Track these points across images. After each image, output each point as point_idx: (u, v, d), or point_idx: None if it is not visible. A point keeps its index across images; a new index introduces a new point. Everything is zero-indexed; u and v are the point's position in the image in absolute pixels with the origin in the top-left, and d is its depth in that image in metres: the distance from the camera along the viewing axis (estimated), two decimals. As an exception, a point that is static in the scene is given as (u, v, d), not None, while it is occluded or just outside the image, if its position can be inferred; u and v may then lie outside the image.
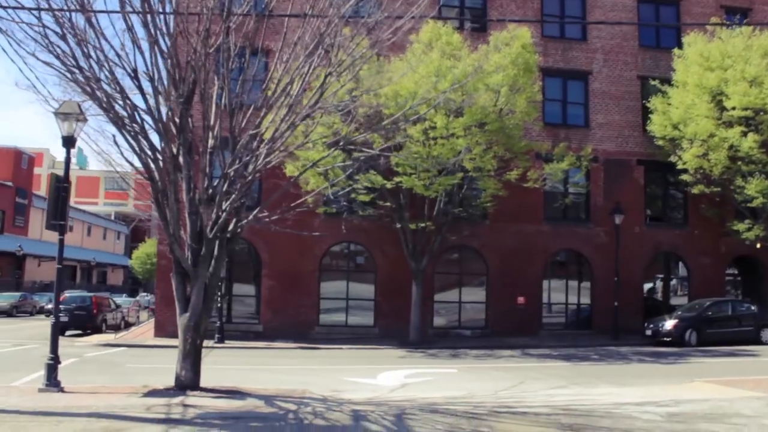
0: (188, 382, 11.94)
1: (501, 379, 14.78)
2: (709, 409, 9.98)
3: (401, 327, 24.07)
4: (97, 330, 28.70)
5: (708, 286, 26.50)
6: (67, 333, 28.72)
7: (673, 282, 28.27)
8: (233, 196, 11.77)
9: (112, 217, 78.95)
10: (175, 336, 24.65)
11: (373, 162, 22.04)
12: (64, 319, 28.43)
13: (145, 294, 59.03)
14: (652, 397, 11.29)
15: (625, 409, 10.07)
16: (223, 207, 11.94)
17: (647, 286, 27.88)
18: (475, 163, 20.02)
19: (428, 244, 23.41)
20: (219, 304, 23.65)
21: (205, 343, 22.97)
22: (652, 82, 25.63)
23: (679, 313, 23.48)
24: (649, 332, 23.20)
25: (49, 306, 30.95)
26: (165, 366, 16.94)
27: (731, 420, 9.17)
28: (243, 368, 17.18)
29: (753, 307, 23.63)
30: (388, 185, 21.68)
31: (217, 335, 23.13)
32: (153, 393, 11.70)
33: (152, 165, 11.96)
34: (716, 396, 11.28)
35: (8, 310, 43.63)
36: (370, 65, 21.37)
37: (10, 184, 54.47)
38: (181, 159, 12.22)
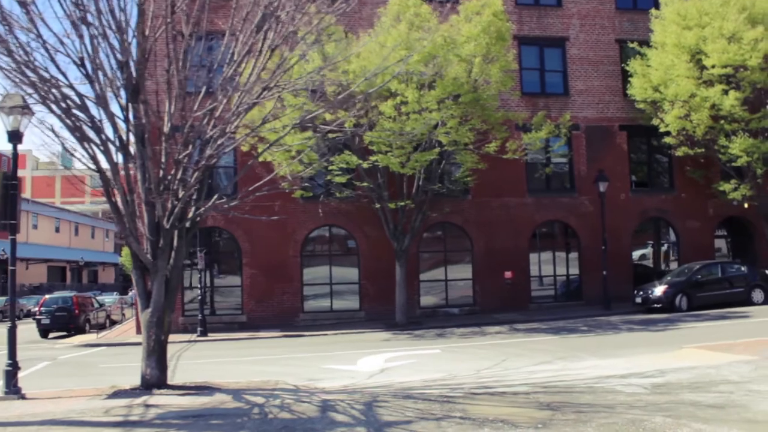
0: (154, 380, 11.40)
1: (485, 357, 14.32)
2: (695, 378, 9.52)
3: (387, 309, 23.60)
4: (81, 330, 28.20)
5: (698, 250, 26.11)
6: (51, 335, 28.30)
7: (664, 247, 27.82)
8: (188, 183, 11.14)
9: (100, 215, 78.10)
10: (157, 332, 24.29)
11: (347, 142, 21.47)
12: (45, 321, 28.10)
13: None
14: (638, 368, 10.84)
15: (607, 383, 9.60)
16: (180, 196, 11.33)
17: (637, 253, 27.44)
18: (450, 137, 19.40)
19: (409, 222, 22.86)
20: (200, 297, 23.15)
21: (188, 337, 22.88)
22: (631, 45, 25.03)
23: (669, 278, 23.07)
24: (638, 300, 22.80)
25: (35, 309, 30.47)
26: (139, 364, 16.47)
27: (717, 388, 8.70)
28: (222, 361, 16.68)
29: (743, 268, 23.24)
30: (365, 165, 21.07)
31: (199, 328, 22.65)
32: (117, 394, 11.17)
33: (101, 156, 11.33)
34: (703, 363, 10.83)
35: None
36: (338, 43, 20.75)
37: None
38: (132, 148, 11.63)
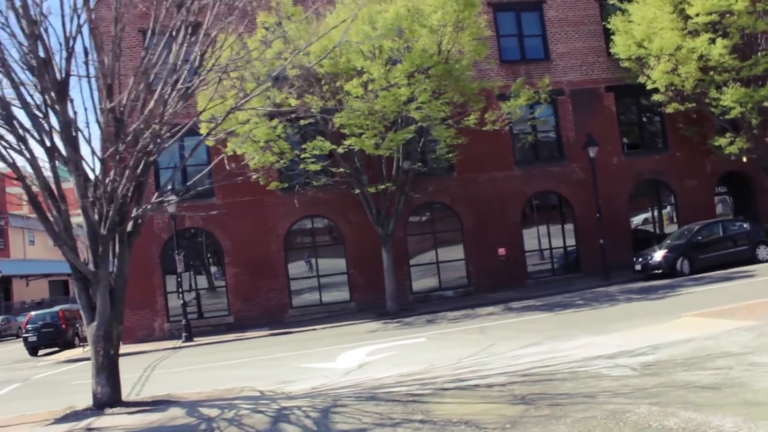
0: (106, 398, 10.47)
1: (471, 343, 13.36)
2: (691, 353, 8.52)
3: (378, 298, 22.65)
4: (70, 345, 27.36)
5: (698, 210, 24.98)
6: (40, 352, 27.47)
7: (665, 210, 26.68)
8: (118, 184, 10.13)
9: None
10: (145, 341, 23.48)
11: (320, 127, 20.43)
12: (32, 339, 27.25)
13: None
14: (630, 345, 9.84)
15: (593, 366, 8.61)
16: (115, 198, 10.34)
17: (636, 218, 26.36)
18: (423, 112, 18.30)
19: (393, 206, 21.84)
20: (182, 301, 22.24)
21: (173, 343, 21.95)
22: (611, 2, 23.84)
23: (668, 242, 22.01)
24: (638, 267, 21.76)
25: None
26: (123, 377, 15.58)
27: (714, 363, 7.71)
28: (199, 368, 15.79)
29: (746, 225, 22.11)
30: (340, 150, 20.02)
31: (184, 334, 21.79)
32: (66, 418, 10.26)
33: (26, 161, 10.34)
34: (702, 333, 9.82)
35: (-3, 334, 42.41)
36: (299, 24, 19.61)
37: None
38: (63, 150, 10.63)
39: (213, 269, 24.80)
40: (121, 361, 19.67)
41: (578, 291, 20.73)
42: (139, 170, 10.48)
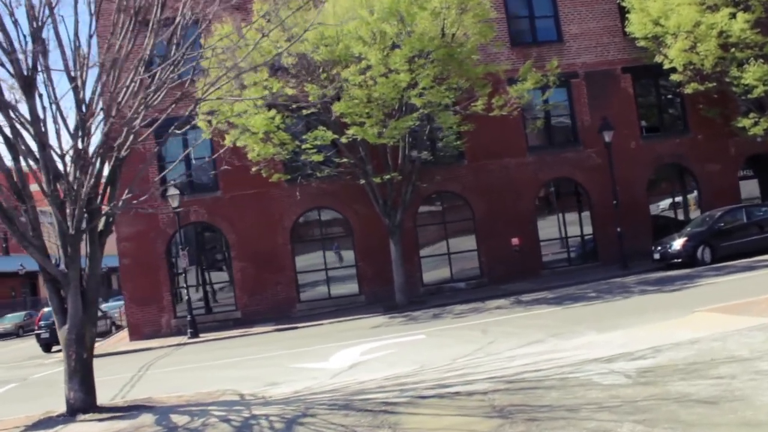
0: (79, 404, 9.98)
1: (470, 341, 12.67)
2: (694, 357, 7.73)
3: (388, 290, 22.00)
4: (81, 340, 27.18)
5: (721, 195, 23.74)
6: (54, 349, 27.36)
7: (688, 196, 25.50)
8: (81, 181, 9.59)
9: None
10: (151, 337, 23.15)
11: (321, 117, 19.78)
12: (45, 335, 27.19)
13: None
14: (632, 345, 9.06)
15: (586, 371, 7.87)
16: (82, 196, 9.80)
17: (657, 204, 25.24)
18: (424, 99, 17.52)
19: (400, 196, 21.13)
20: (187, 297, 21.86)
21: (178, 340, 21.57)
22: (626, -22, 22.70)
23: (688, 229, 20.97)
24: (657, 256, 20.77)
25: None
26: (109, 378, 15.26)
27: (718, 370, 6.92)
28: (194, 367, 15.36)
29: (772, 210, 20.98)
30: (343, 139, 19.34)
31: (189, 330, 21.37)
32: (37, 425, 9.82)
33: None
34: (712, 332, 8.99)
35: (14, 331, 42.67)
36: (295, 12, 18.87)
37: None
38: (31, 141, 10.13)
39: (219, 264, 24.37)
40: (123, 358, 19.61)
41: (593, 282, 19.85)
42: (105, 168, 9.92)
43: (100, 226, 10.54)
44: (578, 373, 7.84)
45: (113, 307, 35.31)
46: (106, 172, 10.66)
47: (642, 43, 22.17)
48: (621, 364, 7.96)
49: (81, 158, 9.81)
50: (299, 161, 20.86)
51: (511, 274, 22.95)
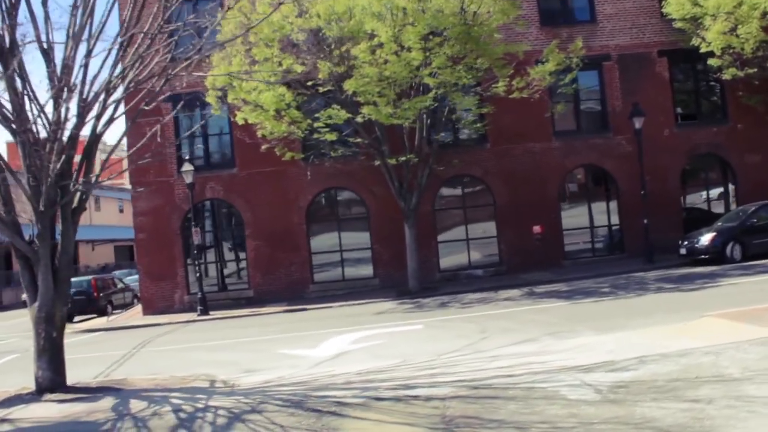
0: (47, 383, 9.77)
1: (464, 335, 12.05)
2: (679, 372, 6.98)
3: (402, 275, 21.43)
4: (102, 312, 27.48)
5: (761, 188, 22.24)
6: (76, 319, 27.72)
7: (719, 188, 24.18)
8: (44, 156, 9.24)
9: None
10: (164, 312, 23.12)
11: (334, 95, 19.19)
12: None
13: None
14: (619, 353, 8.34)
15: (558, 381, 7.20)
16: (51, 172, 9.48)
17: (690, 196, 23.98)
18: (439, 79, 16.75)
19: (415, 179, 20.48)
20: (198, 274, 21.69)
21: (188, 317, 21.46)
22: (667, -46, 21.34)
23: (719, 224, 19.79)
24: (683, 251, 19.69)
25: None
26: (104, 354, 15.19)
27: (697, 391, 6.19)
28: (189, 347, 15.16)
29: (813, 207, 19.60)
30: (359, 119, 18.73)
31: (199, 307, 21.27)
32: (4, 402, 9.65)
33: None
34: (708, 343, 8.20)
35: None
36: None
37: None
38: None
39: (234, 242, 24.15)
40: (129, 333, 19.58)
41: (613, 275, 18.93)
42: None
43: (74, 203, 10.23)
44: (549, 382, 7.17)
45: (135, 279, 35.62)
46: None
47: (679, 25, 20.89)
48: (598, 375, 7.26)
49: (52, 132, 9.49)
50: (312, 140, 20.35)
51: (531, 263, 22.14)
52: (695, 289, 14.56)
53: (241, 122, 19.53)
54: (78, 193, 10.12)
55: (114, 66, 10.03)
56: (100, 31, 9.92)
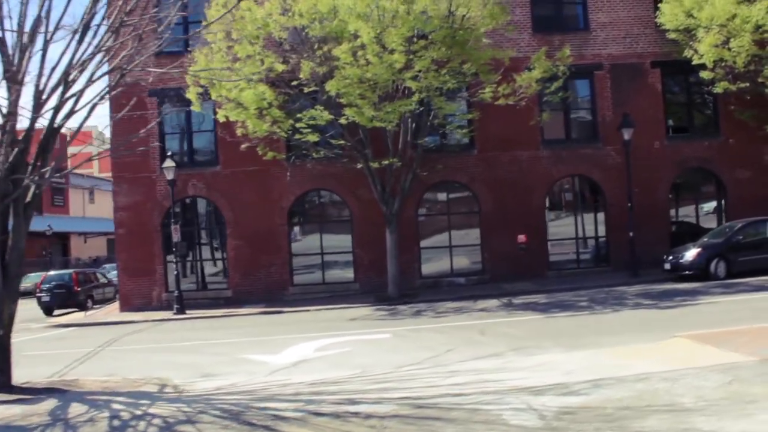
0: (-9, 383, 9.45)
1: (429, 347, 11.73)
2: (631, 399, 6.66)
3: (383, 280, 21.05)
4: (83, 307, 27.12)
5: (751, 205, 21.82)
6: (55, 312, 27.38)
7: (712, 203, 23.80)
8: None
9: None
10: (141, 309, 22.72)
11: (318, 96, 18.85)
12: (45, 299, 27.22)
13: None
14: (576, 375, 8.02)
15: (505, 404, 6.88)
16: (1, 165, 9.16)
17: (679, 210, 23.61)
18: (421, 83, 16.41)
19: (398, 183, 20.15)
20: (176, 272, 21.34)
21: (164, 315, 21.11)
22: (663, -36, 20.99)
23: (705, 240, 19.46)
24: (668, 266, 19.33)
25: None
26: (68, 352, 14.85)
27: (644, 422, 5.88)
28: (155, 347, 14.89)
29: (801, 225, 19.25)
30: (342, 120, 18.40)
31: (175, 306, 20.92)
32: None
33: None
34: (669, 367, 7.89)
35: (33, 290, 43.28)
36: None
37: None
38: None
39: (215, 240, 23.83)
40: (100, 330, 19.23)
41: (594, 288, 18.60)
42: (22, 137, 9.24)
43: (28, 197, 9.91)
44: (496, 404, 6.84)
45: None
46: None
47: (672, 36, 20.55)
48: (547, 398, 6.93)
49: (3, 124, 9.18)
50: (296, 140, 20.02)
51: (514, 272, 21.78)
52: (672, 307, 14.22)
53: (222, 120, 19.23)
54: (32, 187, 9.80)
55: (72, 57, 9.71)
56: (59, 21, 9.62)
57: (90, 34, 9.75)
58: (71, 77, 9.80)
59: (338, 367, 10.46)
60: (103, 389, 9.76)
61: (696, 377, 7.23)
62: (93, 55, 9.74)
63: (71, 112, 10.18)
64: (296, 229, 23.13)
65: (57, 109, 9.94)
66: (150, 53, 9.89)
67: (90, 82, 10.27)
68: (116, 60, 10.19)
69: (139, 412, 7.90)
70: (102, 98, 9.80)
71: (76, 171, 64.97)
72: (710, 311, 13.25)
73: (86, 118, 10.00)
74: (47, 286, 27.35)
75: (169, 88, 21.38)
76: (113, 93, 10.59)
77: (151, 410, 8.00)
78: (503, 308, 16.36)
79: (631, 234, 20.55)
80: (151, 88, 21.35)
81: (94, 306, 27.52)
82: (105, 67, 10.33)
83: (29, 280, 44.22)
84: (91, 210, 65.27)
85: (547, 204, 22.86)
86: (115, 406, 8.45)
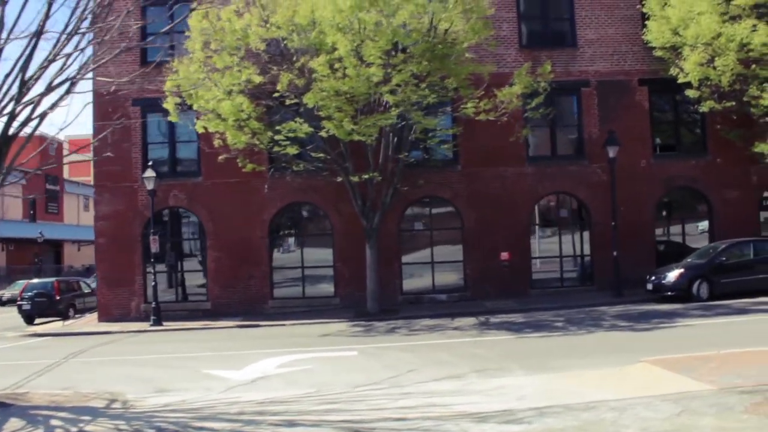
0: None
1: (393, 366, 11.44)
2: (572, 430, 6.36)
3: (364, 295, 20.73)
4: (63, 316, 26.81)
5: (738, 225, 21.57)
6: (36, 321, 27.06)
7: (697, 223, 23.50)
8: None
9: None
10: (120, 320, 22.43)
11: (297, 108, 18.63)
12: (26, 307, 26.87)
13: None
14: (527, 401, 7.74)
15: (439, 431, 6.56)
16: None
17: (665, 229, 23.32)
18: (399, 96, 16.20)
19: (379, 198, 19.89)
20: (153, 283, 21.06)
21: (139, 326, 20.78)
22: (651, -19, 20.84)
23: (688, 260, 19.17)
24: (650, 287, 19.03)
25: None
26: (32, 362, 14.54)
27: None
28: (117, 360, 14.64)
29: (785, 247, 18.97)
30: (322, 133, 18.17)
31: (152, 317, 20.61)
32: None
33: None
34: (624, 394, 7.62)
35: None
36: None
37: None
38: None
39: (195, 252, 23.55)
40: (72, 341, 18.92)
41: (575, 308, 18.30)
42: None
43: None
44: (437, 429, 6.54)
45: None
46: None
47: (659, 53, 20.38)
48: (488, 426, 6.65)
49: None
50: (276, 153, 19.80)
51: (497, 290, 21.49)
52: (648, 329, 13.92)
53: (201, 130, 19.03)
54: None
55: (25, 65, 9.50)
56: (12, 28, 9.43)
57: (46, 40, 9.57)
58: (27, 84, 9.60)
59: (294, 385, 10.19)
60: (49, 403, 9.49)
61: (646, 407, 6.93)
62: (49, 62, 9.52)
63: (28, 120, 9.99)
64: (277, 242, 22.85)
65: (12, 117, 9.74)
66: (102, 61, 9.66)
67: (49, 89, 10.09)
68: (71, 68, 9.99)
69: (74, 429, 7.62)
70: (53, 107, 9.57)
71: (72, 179, 64.95)
72: (683, 335, 12.95)
73: (37, 126, 9.76)
74: (29, 294, 27.02)
75: (152, 98, 21.17)
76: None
77: (88, 428, 7.75)
78: (477, 327, 16.05)
79: (615, 253, 20.26)
80: (135, 98, 21.26)
81: (76, 315, 27.20)
82: (65, 75, 10.14)
83: (17, 288, 44.10)
84: (86, 218, 65.05)
85: (532, 221, 22.57)
86: (54, 422, 8.19)
